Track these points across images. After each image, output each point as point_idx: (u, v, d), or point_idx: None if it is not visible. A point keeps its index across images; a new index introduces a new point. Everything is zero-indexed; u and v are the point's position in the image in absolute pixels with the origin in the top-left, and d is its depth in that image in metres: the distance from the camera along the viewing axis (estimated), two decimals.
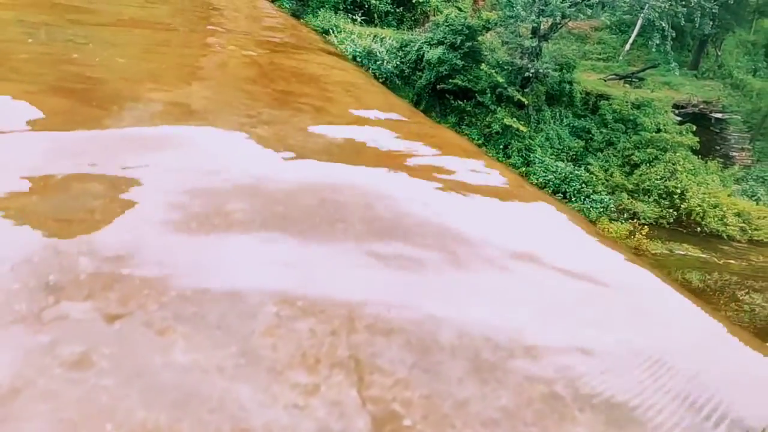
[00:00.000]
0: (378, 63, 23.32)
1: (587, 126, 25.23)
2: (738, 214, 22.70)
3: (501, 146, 24.05)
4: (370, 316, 0.87)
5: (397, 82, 25.06)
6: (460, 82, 23.65)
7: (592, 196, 22.69)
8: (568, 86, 25.02)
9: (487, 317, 0.99)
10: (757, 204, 24.01)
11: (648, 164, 23.44)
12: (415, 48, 24.96)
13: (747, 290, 18.38)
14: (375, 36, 24.57)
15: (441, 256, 1.11)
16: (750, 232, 22.52)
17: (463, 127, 24.48)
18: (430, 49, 24.34)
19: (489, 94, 23.70)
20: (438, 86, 24.36)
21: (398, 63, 24.60)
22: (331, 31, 24.31)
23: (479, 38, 24.13)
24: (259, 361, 0.74)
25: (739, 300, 17.78)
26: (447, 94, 24.36)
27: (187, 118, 1.71)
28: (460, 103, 24.12)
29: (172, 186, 1.67)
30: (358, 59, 22.65)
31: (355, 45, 23.27)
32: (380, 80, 23.61)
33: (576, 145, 24.69)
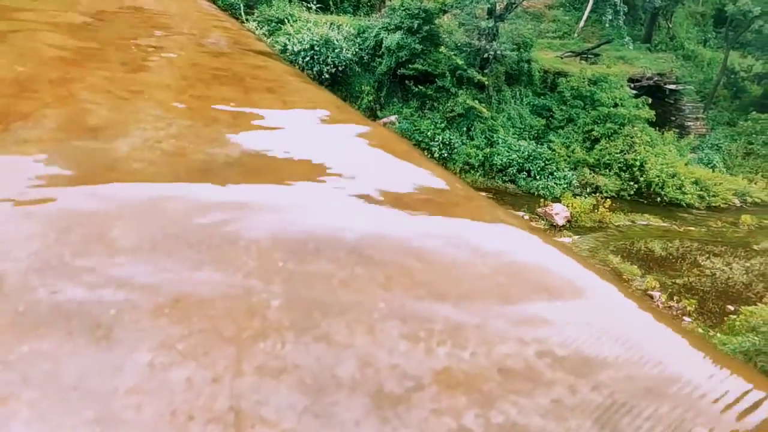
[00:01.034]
0: (336, 51, 23.06)
1: (547, 104, 25.51)
2: (695, 182, 23.37)
3: (464, 128, 24.15)
4: (262, 353, 0.80)
5: (357, 69, 24.87)
6: (420, 67, 23.60)
7: (555, 173, 23.04)
8: (526, 65, 25.21)
9: (395, 339, 0.93)
10: (713, 171, 24.75)
11: (607, 139, 23.87)
12: (373, 34, 24.76)
13: (707, 255, 18.97)
14: (332, 23, 24.26)
15: (348, 270, 1.05)
16: (708, 198, 23.23)
17: (426, 111, 24.49)
18: (388, 34, 24.18)
19: (449, 77, 23.71)
20: (398, 72, 24.26)
21: (357, 50, 24.39)
22: (286, 20, 23.91)
23: (436, 21, 24.07)
24: (116, 426, 0.65)
25: (701, 265, 18.34)
26: (408, 80, 24.30)
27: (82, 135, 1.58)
28: (421, 88, 24.08)
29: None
30: (301, 56, 22.36)
31: (312, 34, 22.93)
32: (339, 68, 23.37)
33: (537, 123, 24.96)
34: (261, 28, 23.17)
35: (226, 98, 2.31)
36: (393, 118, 24.62)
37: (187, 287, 1.01)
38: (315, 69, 22.74)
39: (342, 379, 0.84)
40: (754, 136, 26.34)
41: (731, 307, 15.62)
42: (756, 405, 0.88)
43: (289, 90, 2.66)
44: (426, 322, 1.01)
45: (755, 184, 24.81)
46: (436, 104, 24.46)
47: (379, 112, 25.26)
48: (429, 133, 23.66)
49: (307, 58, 22.68)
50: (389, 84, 25.34)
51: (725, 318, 14.79)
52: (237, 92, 2.45)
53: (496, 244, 1.36)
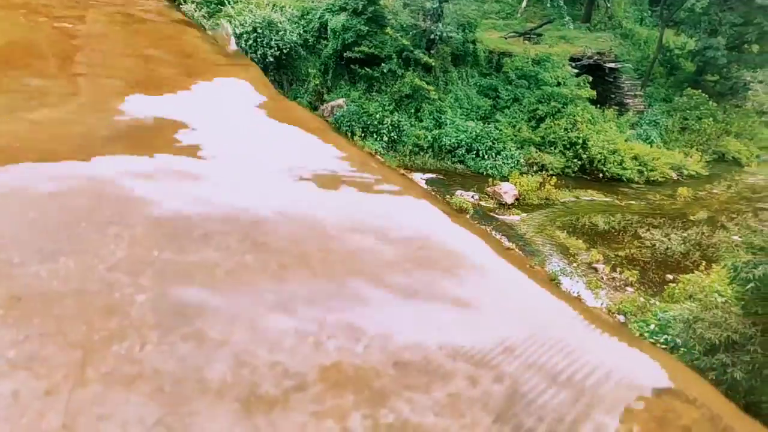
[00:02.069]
0: (280, 33, 22.49)
1: (493, 84, 25.78)
2: (635, 158, 24.23)
3: (412, 110, 24.13)
4: (115, 358, 0.67)
5: (302, 52, 24.38)
6: (366, 49, 23.34)
7: (502, 152, 23.38)
8: (471, 46, 25.34)
9: (280, 334, 0.83)
10: (651, 146, 25.72)
11: (552, 117, 24.38)
12: (317, 15, 24.29)
13: (647, 227, 19.75)
14: (274, 5, 23.62)
15: (237, 259, 0.94)
16: (646, 173, 24.15)
17: (374, 94, 24.31)
18: (333, 16, 23.77)
19: (395, 59, 23.57)
20: (345, 55, 23.94)
21: (301, 32, 23.86)
22: (226, 1, 23.11)
23: (381, 2, 23.81)
24: None
25: (641, 237, 19.07)
26: (354, 63, 24.01)
27: None
28: (368, 70, 23.85)
29: None
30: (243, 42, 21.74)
31: (254, 15, 22.27)
32: (284, 51, 22.82)
33: (484, 103, 25.21)
34: (200, 10, 22.30)
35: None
36: (341, 101, 24.31)
37: (35, 283, 0.87)
38: (259, 52, 22.13)
39: (210, 383, 0.73)
40: (688, 111, 27.48)
41: (670, 276, 16.36)
42: (661, 391, 0.83)
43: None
44: (319, 314, 0.91)
45: (690, 157, 25.95)
46: (383, 87, 24.31)
47: (326, 96, 24.89)
48: (378, 116, 23.52)
49: (250, 41, 22.04)
50: (336, 67, 24.99)
51: (665, 287, 15.47)
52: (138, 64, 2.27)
53: (407, 228, 1.28)
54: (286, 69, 24.00)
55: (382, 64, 23.67)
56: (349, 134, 23.38)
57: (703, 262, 16.97)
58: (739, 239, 18.33)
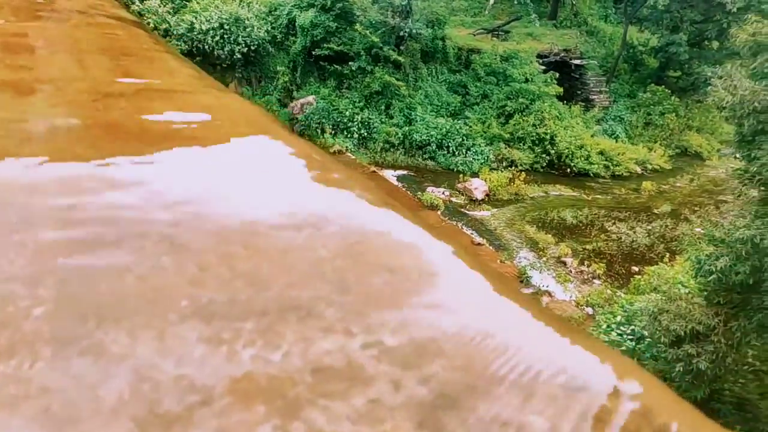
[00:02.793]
0: (248, 30, 22.18)
1: (463, 81, 25.92)
2: (601, 153, 24.68)
3: (383, 107, 24.10)
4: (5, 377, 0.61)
5: (270, 49, 24.11)
6: (335, 47, 23.19)
7: (472, 149, 23.54)
8: (441, 43, 25.41)
9: (191, 344, 0.78)
10: (617, 141, 26.22)
11: (520, 113, 24.64)
12: (285, 12, 24.02)
13: (613, 221, 20.15)
14: (241, 0, 23.27)
15: (152, 262, 0.89)
16: (612, 168, 24.62)
17: (344, 91, 24.18)
18: (301, 12, 23.54)
19: (365, 56, 23.49)
20: (314, 51, 23.76)
21: (269, 29, 23.58)
22: None
23: None
24: None
25: (608, 230, 19.45)
26: (324, 60, 23.85)
27: None
28: (338, 67, 23.71)
29: None
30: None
31: (221, 11, 21.90)
32: (252, 48, 22.52)
33: (454, 100, 25.33)
34: (164, 5, 21.83)
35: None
36: (311, 98, 24.13)
37: None
38: (226, 49, 21.79)
39: (104, 402, 0.68)
40: (651, 107, 28.09)
41: (636, 268, 16.72)
42: (600, 393, 0.81)
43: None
44: (236, 321, 0.86)
45: (654, 152, 26.55)
46: (353, 84, 24.20)
47: (295, 93, 24.67)
48: (348, 113, 23.42)
49: (217, 38, 21.68)
50: (305, 64, 24.78)
51: (631, 279, 15.80)
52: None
53: (344, 222, 1.24)
54: (255, 66, 23.68)
55: (351, 62, 23.57)
56: (319, 131, 23.25)
57: (667, 254, 17.41)
58: (702, 231, 18.86)
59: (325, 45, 23.28)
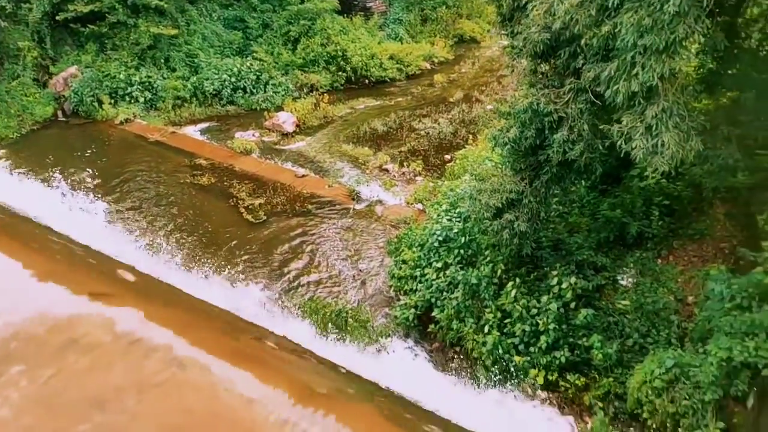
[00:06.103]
0: None
1: (239, 14, 24.52)
2: (391, 57, 25.59)
3: (162, 61, 21.98)
4: None
5: (2, 23, 20.27)
6: (81, 6, 20.18)
7: (270, 83, 22.83)
8: None
9: None
10: (402, 43, 27.32)
11: (306, 36, 24.26)
12: None
13: (418, 118, 21.39)
14: None
15: None
16: (405, 69, 25.78)
17: (109, 53, 21.47)
18: None
19: (121, 9, 20.87)
20: (57, 17, 20.48)
21: None
22: None
23: None
24: None
25: (416, 129, 20.64)
26: (75, 23, 20.72)
27: None
28: (93, 27, 20.83)
29: None
30: None
31: None
32: None
33: (236, 37, 24.00)
34: None
35: None
36: (73, 69, 21.08)
37: None
38: None
39: None
40: (424, 2, 29.49)
41: (448, 156, 18.19)
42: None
43: None
44: None
45: (436, 45, 28.24)
46: (117, 43, 21.55)
47: (52, 68, 21.36)
48: (122, 76, 20.99)
49: None
50: (53, 32, 21.37)
51: (446, 167, 17.21)
52: None
53: None
54: None
55: (107, 17, 20.84)
56: (96, 104, 20.60)
57: (470, 137, 19.18)
58: (492, 107, 20.95)
59: (69, 6, 20.17)
